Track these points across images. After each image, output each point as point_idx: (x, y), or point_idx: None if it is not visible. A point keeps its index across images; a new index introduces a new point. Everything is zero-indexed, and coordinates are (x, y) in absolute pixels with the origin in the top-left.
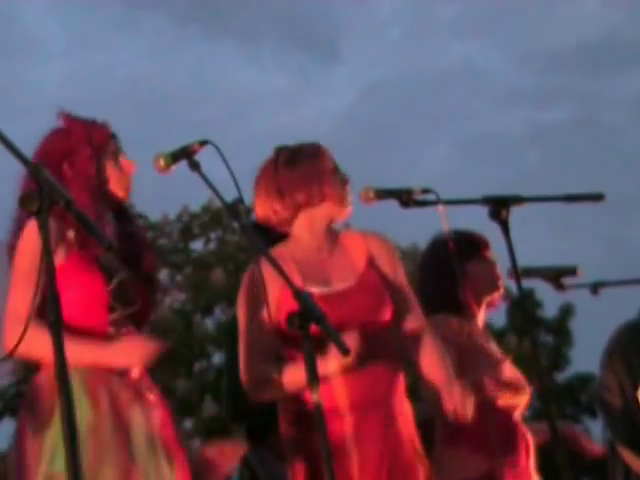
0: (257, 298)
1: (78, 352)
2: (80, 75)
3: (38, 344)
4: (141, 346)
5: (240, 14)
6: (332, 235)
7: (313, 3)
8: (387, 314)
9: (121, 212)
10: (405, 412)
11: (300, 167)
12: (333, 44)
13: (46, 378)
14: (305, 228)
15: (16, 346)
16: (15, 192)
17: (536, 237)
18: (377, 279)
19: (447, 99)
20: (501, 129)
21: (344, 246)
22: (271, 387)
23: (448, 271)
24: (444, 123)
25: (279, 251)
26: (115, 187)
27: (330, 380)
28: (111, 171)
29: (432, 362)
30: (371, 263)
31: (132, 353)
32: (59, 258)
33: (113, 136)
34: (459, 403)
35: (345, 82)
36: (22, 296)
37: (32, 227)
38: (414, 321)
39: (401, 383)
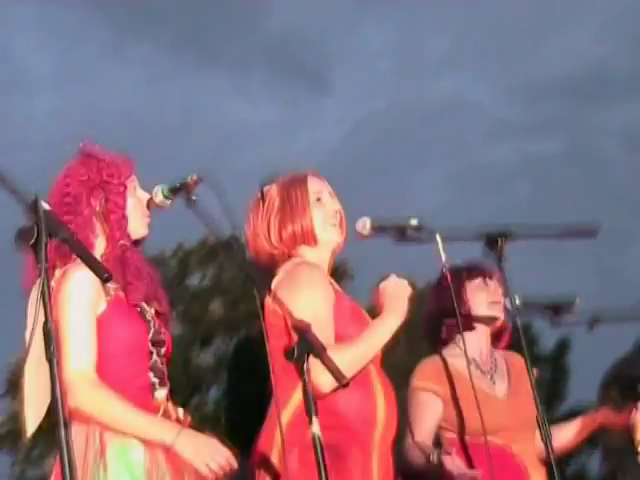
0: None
1: (135, 423)
2: (70, 109)
3: (109, 409)
4: (212, 450)
5: (231, 45)
6: None
7: (304, 35)
8: None
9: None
10: None
11: (282, 204)
12: (323, 76)
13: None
14: (314, 259)
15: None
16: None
17: (528, 268)
18: None
19: (438, 132)
20: (492, 161)
21: None
22: None
23: (448, 302)
24: (435, 155)
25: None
26: (137, 224)
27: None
28: (134, 208)
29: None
30: None
31: (197, 450)
32: (101, 307)
33: (134, 172)
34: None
35: (336, 114)
36: (83, 353)
37: (79, 276)
38: None
39: None
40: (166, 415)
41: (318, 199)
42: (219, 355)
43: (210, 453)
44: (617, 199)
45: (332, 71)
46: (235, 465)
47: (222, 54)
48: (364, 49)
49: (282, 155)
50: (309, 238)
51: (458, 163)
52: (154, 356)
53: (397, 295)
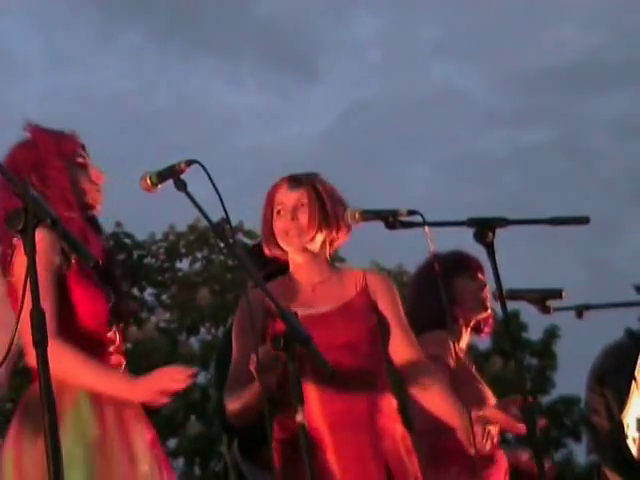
0: (248, 330)
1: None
2: (59, 94)
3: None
4: (165, 381)
5: (220, 32)
6: (324, 268)
7: (294, 22)
8: (370, 339)
9: (92, 224)
10: (393, 431)
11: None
12: (313, 63)
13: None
14: (291, 263)
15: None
16: None
17: (517, 261)
18: (365, 306)
19: (428, 121)
20: (482, 151)
21: (340, 278)
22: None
23: (437, 290)
24: (425, 145)
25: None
26: (81, 199)
27: (307, 402)
28: (76, 183)
29: (443, 401)
30: (365, 294)
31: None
32: (62, 267)
33: (82, 147)
34: (481, 443)
35: (325, 102)
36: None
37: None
38: (413, 354)
39: (388, 404)
40: None
41: (278, 211)
42: (206, 343)
43: (165, 384)
44: (606, 190)
45: (322, 58)
46: (191, 372)
47: (211, 41)
48: (354, 37)
49: (271, 143)
50: (273, 244)
51: (447, 153)
52: (112, 329)
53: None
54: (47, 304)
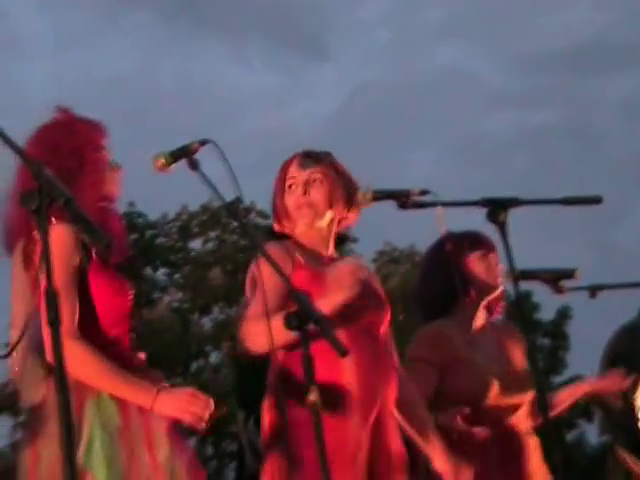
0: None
1: (119, 384)
2: (65, 74)
3: (86, 365)
4: (189, 400)
5: (228, 12)
6: (331, 246)
7: (302, 2)
8: (385, 322)
9: None
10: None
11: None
12: (321, 44)
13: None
14: (301, 233)
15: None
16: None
17: (525, 243)
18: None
19: (435, 102)
20: (489, 132)
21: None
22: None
23: (447, 268)
24: (432, 126)
25: (285, 242)
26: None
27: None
28: (109, 176)
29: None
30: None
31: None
32: (82, 263)
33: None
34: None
35: (333, 83)
36: (68, 311)
37: (58, 234)
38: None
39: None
40: None
41: (289, 186)
42: (218, 322)
43: (188, 403)
44: (613, 171)
45: (330, 38)
46: (212, 407)
47: (219, 20)
48: (361, 17)
49: (280, 123)
50: (284, 218)
51: (453, 135)
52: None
53: (338, 284)
54: (67, 304)
